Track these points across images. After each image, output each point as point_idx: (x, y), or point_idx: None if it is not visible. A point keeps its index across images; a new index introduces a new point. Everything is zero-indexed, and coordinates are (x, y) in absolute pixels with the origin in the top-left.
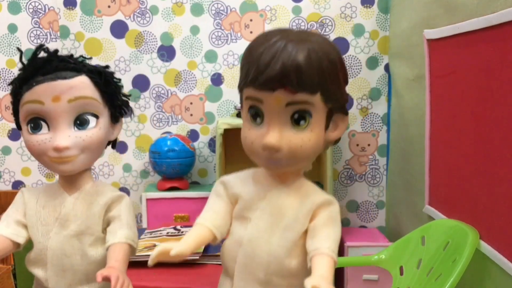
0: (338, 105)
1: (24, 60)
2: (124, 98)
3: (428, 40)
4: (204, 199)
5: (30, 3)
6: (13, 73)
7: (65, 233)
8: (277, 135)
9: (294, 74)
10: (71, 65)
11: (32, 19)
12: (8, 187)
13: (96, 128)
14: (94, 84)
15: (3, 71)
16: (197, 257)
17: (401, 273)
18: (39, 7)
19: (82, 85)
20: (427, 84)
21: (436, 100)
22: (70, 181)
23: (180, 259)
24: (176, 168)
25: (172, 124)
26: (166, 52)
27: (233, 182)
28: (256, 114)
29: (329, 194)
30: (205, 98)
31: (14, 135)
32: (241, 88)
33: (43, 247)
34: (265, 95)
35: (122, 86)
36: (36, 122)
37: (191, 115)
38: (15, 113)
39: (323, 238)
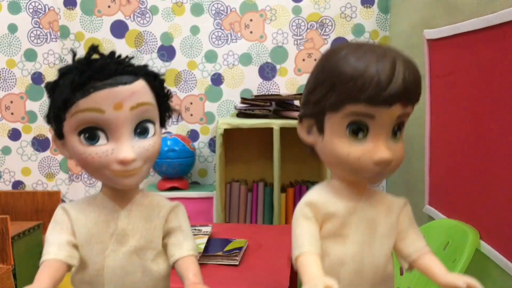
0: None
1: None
2: (170, 102)
3: (428, 40)
4: (204, 199)
5: (30, 3)
6: (13, 73)
7: (124, 250)
8: (388, 149)
9: (414, 89)
10: (129, 68)
11: (32, 19)
12: (8, 187)
13: (156, 136)
14: (151, 88)
15: (3, 71)
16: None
17: (401, 273)
18: (39, 7)
19: (142, 90)
20: (427, 84)
21: (436, 100)
22: (121, 193)
23: None
24: (176, 168)
25: (172, 124)
26: (166, 52)
27: (323, 201)
28: (358, 129)
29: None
30: (205, 98)
31: (14, 135)
32: (338, 103)
33: (100, 267)
34: (380, 110)
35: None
36: (92, 132)
37: (191, 115)
38: (57, 120)
39: (416, 238)
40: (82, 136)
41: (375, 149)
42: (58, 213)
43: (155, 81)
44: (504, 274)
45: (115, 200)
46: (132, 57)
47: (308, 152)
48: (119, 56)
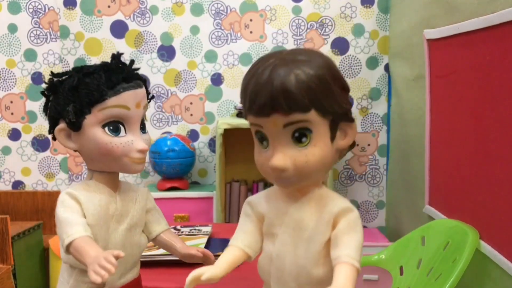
0: (338, 115)
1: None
2: None
3: (428, 40)
4: (204, 199)
5: (30, 3)
6: (13, 73)
7: (122, 228)
8: (281, 157)
9: (282, 99)
10: (138, 75)
11: (32, 19)
12: (8, 187)
13: (148, 133)
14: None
15: (3, 71)
16: None
17: (401, 273)
18: (39, 7)
19: (145, 92)
20: (427, 84)
21: (436, 100)
22: (114, 180)
23: (213, 282)
24: (176, 168)
25: (172, 124)
26: (166, 52)
27: (258, 201)
28: (262, 138)
29: (347, 202)
30: (205, 98)
31: (14, 135)
32: (244, 115)
33: (105, 244)
34: (262, 120)
35: None
36: (116, 125)
37: (191, 115)
38: (79, 114)
39: (343, 246)
40: (106, 128)
41: (271, 156)
42: (66, 198)
43: (145, 86)
44: (504, 274)
45: (109, 186)
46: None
47: None
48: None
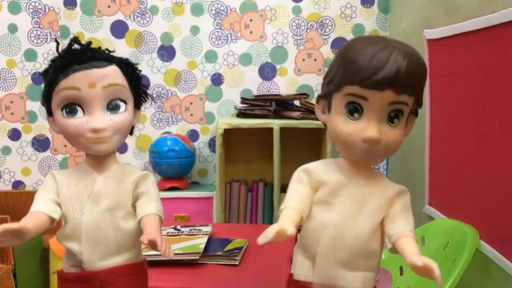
0: (418, 107)
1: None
2: (144, 88)
3: (428, 40)
4: (204, 199)
5: (30, 3)
6: (13, 73)
7: (98, 209)
8: (377, 130)
9: (405, 78)
10: (103, 56)
11: (32, 19)
12: (8, 187)
13: (126, 113)
14: (123, 73)
15: (3, 71)
16: (197, 257)
17: (401, 273)
18: (39, 7)
19: (113, 73)
20: (427, 84)
21: (436, 100)
22: (100, 162)
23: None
24: (176, 168)
25: (172, 124)
26: (166, 52)
27: (317, 170)
28: (355, 109)
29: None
30: (205, 98)
31: (14, 135)
32: (339, 84)
33: (77, 222)
34: (372, 93)
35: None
36: (72, 107)
37: (191, 115)
38: (47, 100)
39: (404, 223)
40: (64, 110)
41: (365, 128)
42: (47, 177)
43: (127, 68)
44: (504, 274)
45: (94, 168)
46: (106, 49)
47: (328, 133)
48: (100, 47)
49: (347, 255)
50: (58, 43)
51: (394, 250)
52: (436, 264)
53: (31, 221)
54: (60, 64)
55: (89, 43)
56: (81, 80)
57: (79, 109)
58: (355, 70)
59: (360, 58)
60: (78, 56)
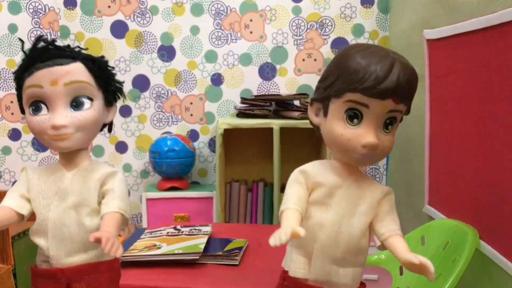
0: (407, 114)
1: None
2: (118, 85)
3: (428, 40)
4: (204, 199)
5: (30, 3)
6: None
7: (64, 205)
8: (376, 136)
9: (404, 88)
10: (67, 53)
11: (32, 19)
12: (8, 187)
13: (90, 110)
14: (89, 70)
15: (3, 71)
16: (197, 257)
17: (401, 273)
18: (39, 7)
19: (76, 70)
20: (427, 84)
21: (436, 100)
22: (69, 159)
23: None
24: (176, 168)
25: (172, 124)
26: (166, 52)
27: (313, 171)
28: (355, 115)
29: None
30: (205, 98)
31: (14, 135)
32: (340, 91)
33: (44, 218)
34: (373, 102)
35: (115, 74)
36: (37, 105)
37: (191, 115)
38: (19, 98)
39: (392, 222)
40: (30, 108)
41: (364, 134)
42: (22, 173)
43: (94, 65)
44: (504, 274)
45: (64, 165)
46: (76, 47)
47: (316, 134)
48: (69, 45)
49: (341, 253)
50: (23, 42)
51: (382, 247)
52: (430, 262)
53: None
54: (25, 62)
55: (53, 40)
56: (44, 78)
57: (43, 106)
58: (358, 79)
59: (363, 67)
60: (41, 54)
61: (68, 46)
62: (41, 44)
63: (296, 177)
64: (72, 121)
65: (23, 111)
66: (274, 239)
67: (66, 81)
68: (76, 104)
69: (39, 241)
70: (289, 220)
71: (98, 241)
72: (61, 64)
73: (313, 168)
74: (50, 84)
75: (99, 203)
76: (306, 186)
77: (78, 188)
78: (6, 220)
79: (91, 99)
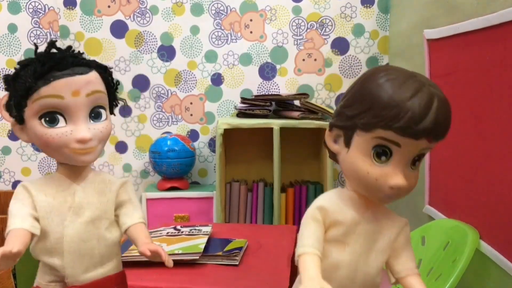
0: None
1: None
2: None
3: (428, 40)
4: (204, 199)
5: (30, 3)
6: None
7: (81, 220)
8: (404, 177)
9: (442, 131)
10: (83, 61)
11: (32, 19)
12: (8, 187)
13: (107, 121)
14: (102, 79)
15: (3, 71)
16: (197, 257)
17: None
18: (39, 7)
19: (95, 79)
20: None
21: None
22: (76, 171)
23: None
24: (176, 168)
25: (172, 124)
26: (166, 52)
27: (332, 208)
28: (383, 153)
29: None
30: (205, 98)
31: (14, 135)
32: (370, 125)
33: (59, 236)
34: (406, 141)
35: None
36: (52, 116)
37: (191, 115)
38: (18, 107)
39: (409, 259)
40: (43, 119)
41: (393, 174)
42: (19, 190)
43: (105, 73)
44: (504, 274)
45: (70, 178)
46: (83, 53)
47: (330, 157)
48: (74, 50)
49: None
50: (37, 47)
51: (396, 283)
52: None
53: (21, 242)
54: (40, 69)
55: (69, 47)
56: (64, 88)
57: (60, 118)
58: (392, 116)
59: (397, 102)
60: (60, 61)
61: (79, 52)
62: (52, 49)
63: (313, 213)
64: (95, 133)
65: (20, 121)
66: None
67: (88, 92)
68: (95, 115)
69: (52, 260)
70: (310, 270)
71: (155, 253)
72: (81, 74)
73: (331, 204)
74: (72, 95)
75: (113, 214)
76: (324, 223)
77: (93, 201)
78: (27, 243)
79: (105, 109)
